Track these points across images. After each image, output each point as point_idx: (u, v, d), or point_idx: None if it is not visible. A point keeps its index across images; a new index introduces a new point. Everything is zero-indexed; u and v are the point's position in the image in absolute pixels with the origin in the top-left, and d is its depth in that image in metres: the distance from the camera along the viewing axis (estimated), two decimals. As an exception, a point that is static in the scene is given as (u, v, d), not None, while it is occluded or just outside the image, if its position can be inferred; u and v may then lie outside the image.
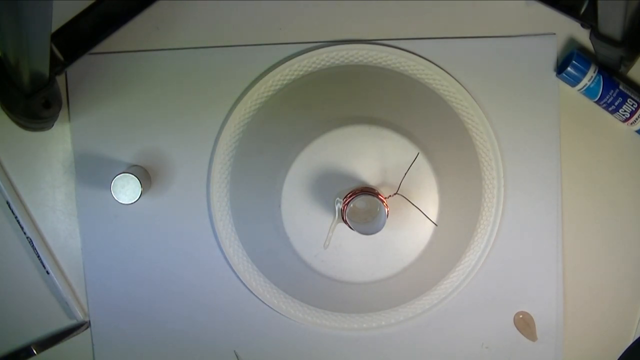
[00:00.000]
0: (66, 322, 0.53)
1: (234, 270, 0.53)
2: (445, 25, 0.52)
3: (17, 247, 0.52)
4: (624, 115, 0.52)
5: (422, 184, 0.50)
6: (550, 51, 0.52)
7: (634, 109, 0.51)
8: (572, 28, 0.52)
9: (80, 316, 0.53)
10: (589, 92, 0.52)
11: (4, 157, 0.52)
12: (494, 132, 0.52)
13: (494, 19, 0.52)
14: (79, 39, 0.46)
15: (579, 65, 0.51)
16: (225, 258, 0.53)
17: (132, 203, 0.48)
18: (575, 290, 0.54)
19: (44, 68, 0.43)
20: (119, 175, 0.48)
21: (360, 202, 0.47)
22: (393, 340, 0.54)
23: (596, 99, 0.52)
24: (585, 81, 0.51)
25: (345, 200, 0.47)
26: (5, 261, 0.53)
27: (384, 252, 0.50)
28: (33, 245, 0.52)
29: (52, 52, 0.45)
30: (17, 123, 0.47)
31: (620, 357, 0.43)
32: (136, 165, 0.52)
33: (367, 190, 0.48)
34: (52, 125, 0.49)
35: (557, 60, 0.53)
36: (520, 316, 0.54)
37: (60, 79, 0.51)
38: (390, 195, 0.48)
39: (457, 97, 0.52)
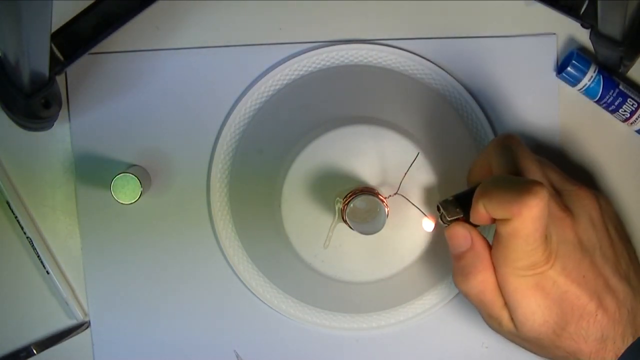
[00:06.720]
0: (66, 322, 0.53)
1: (234, 270, 0.53)
2: (445, 25, 0.52)
3: (17, 247, 0.52)
4: (624, 115, 0.52)
5: (422, 184, 0.50)
6: (550, 51, 0.52)
7: (634, 109, 0.51)
8: (572, 28, 0.52)
9: (80, 316, 0.53)
10: (589, 92, 0.52)
11: (4, 157, 0.52)
12: (493, 131, 0.52)
13: (494, 19, 0.52)
14: (79, 39, 0.46)
15: (579, 65, 0.51)
16: (226, 258, 0.53)
17: (132, 203, 0.48)
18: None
19: (44, 68, 0.43)
20: (119, 175, 0.48)
21: (360, 202, 0.47)
22: (393, 340, 0.54)
23: (596, 99, 0.52)
24: (585, 81, 0.51)
25: (345, 200, 0.47)
26: (5, 261, 0.53)
27: (384, 252, 0.50)
28: (33, 245, 0.52)
29: (52, 52, 0.45)
30: (17, 123, 0.47)
31: (621, 356, 0.42)
32: (136, 165, 0.52)
33: (367, 190, 0.48)
34: (52, 125, 0.49)
35: (557, 60, 0.53)
36: (520, 316, 0.53)
37: (60, 79, 0.51)
38: (390, 195, 0.48)
39: (457, 96, 0.52)
